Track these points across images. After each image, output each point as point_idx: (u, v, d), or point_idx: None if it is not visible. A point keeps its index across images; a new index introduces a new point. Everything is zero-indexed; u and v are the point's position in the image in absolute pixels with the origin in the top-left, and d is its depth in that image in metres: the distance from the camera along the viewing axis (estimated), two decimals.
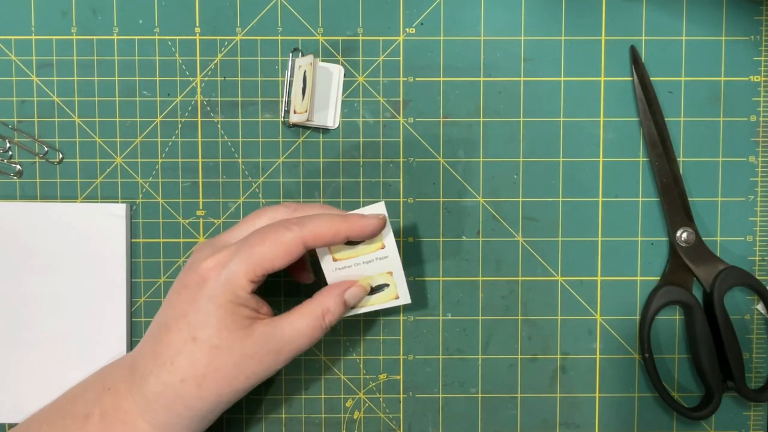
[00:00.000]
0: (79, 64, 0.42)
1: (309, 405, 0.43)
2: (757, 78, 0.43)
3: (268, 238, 0.34)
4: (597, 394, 0.43)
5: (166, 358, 0.34)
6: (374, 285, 0.38)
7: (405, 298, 0.38)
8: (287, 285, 0.43)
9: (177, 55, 0.42)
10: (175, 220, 0.43)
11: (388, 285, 0.38)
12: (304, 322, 0.35)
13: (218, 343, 0.34)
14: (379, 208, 0.36)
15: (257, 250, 0.34)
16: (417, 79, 0.43)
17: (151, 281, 0.43)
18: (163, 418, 0.34)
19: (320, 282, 0.38)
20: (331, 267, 0.37)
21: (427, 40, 0.42)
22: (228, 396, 0.35)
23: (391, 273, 0.38)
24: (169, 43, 0.42)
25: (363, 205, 0.43)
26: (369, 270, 0.37)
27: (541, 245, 0.43)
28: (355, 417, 0.43)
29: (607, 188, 0.43)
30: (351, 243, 0.37)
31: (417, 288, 0.43)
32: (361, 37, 0.43)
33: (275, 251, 0.34)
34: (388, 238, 0.37)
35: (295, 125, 0.42)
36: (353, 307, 0.38)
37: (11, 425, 0.42)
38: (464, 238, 0.43)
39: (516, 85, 0.43)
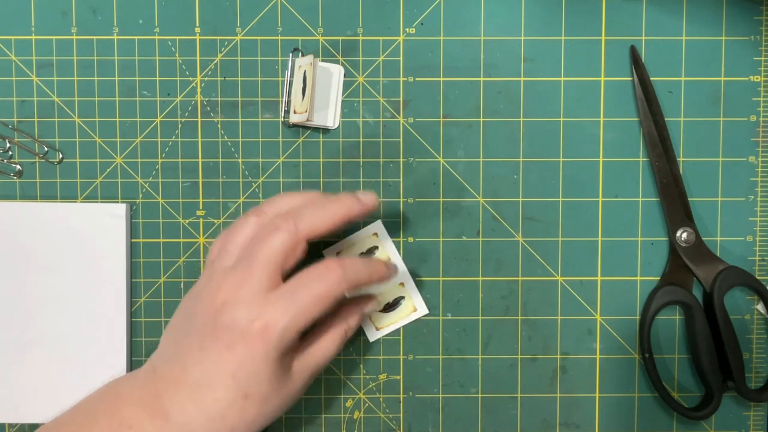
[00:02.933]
0: (79, 64, 0.42)
1: (309, 405, 0.43)
2: (757, 78, 0.43)
3: (312, 286, 0.34)
4: (597, 394, 0.43)
5: (215, 413, 0.34)
6: (390, 301, 0.41)
7: (423, 309, 0.41)
8: None
9: (177, 55, 0.42)
10: (175, 220, 0.43)
11: (403, 297, 0.41)
12: (334, 346, 0.37)
13: (269, 394, 0.34)
14: (376, 227, 0.39)
15: (304, 301, 0.34)
16: (417, 79, 0.43)
17: (151, 281, 0.43)
18: None
19: None
20: None
21: (427, 40, 0.42)
22: (267, 423, 0.36)
23: (402, 284, 0.40)
24: (169, 43, 0.42)
25: None
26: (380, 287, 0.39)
27: (541, 245, 0.43)
28: (355, 417, 0.43)
29: (607, 188, 0.43)
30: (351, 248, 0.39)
31: (417, 288, 0.43)
32: (361, 37, 0.43)
33: (320, 303, 0.34)
34: (393, 255, 0.39)
35: (295, 125, 0.42)
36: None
37: (11, 425, 0.42)
38: (464, 238, 0.43)
39: (516, 85, 0.43)
